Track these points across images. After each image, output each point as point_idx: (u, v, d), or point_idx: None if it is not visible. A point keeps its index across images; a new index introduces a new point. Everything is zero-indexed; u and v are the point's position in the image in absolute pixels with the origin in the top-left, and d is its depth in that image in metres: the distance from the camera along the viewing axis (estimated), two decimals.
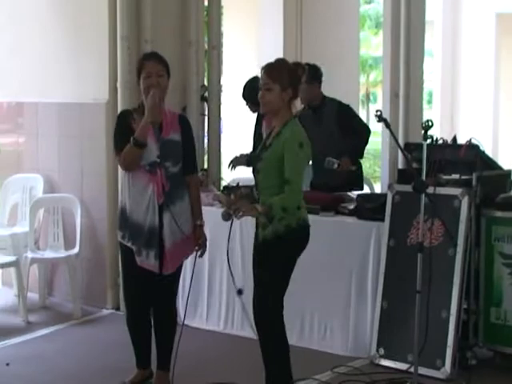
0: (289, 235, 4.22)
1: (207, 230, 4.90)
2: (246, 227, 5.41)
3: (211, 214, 5.35)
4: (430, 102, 16.81)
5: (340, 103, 6.38)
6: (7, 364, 5.31)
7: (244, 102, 6.62)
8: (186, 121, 4.85)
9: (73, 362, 5.44)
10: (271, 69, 4.29)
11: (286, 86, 4.24)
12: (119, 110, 6.34)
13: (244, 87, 6.61)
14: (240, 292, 4.45)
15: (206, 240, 4.75)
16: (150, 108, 4.52)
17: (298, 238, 4.31)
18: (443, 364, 4.92)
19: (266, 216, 4.17)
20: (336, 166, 6.04)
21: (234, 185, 5.61)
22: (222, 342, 5.77)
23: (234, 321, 5.92)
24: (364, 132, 6.35)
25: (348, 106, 6.39)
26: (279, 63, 4.35)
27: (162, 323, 4.82)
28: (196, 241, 4.70)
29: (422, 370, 4.77)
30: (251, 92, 6.28)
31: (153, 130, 4.60)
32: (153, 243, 4.56)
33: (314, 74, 6.20)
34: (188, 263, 5.03)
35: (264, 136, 4.66)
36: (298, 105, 4.51)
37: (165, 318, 4.82)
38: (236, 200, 4.24)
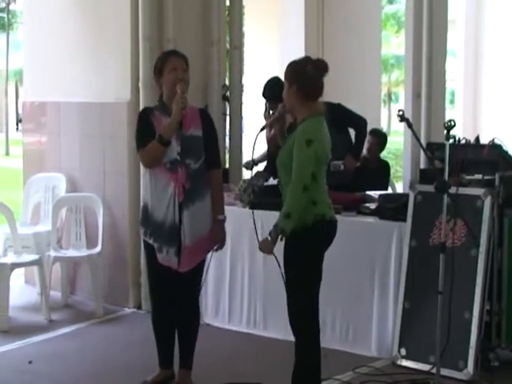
0: (305, 232, 4.19)
1: (228, 229, 4.90)
2: (267, 224, 5.38)
3: (232, 213, 5.36)
4: (452, 101, 16.71)
5: (330, 104, 6.30)
6: (30, 362, 5.35)
7: (264, 101, 6.64)
8: (208, 115, 4.83)
9: (94, 360, 5.46)
10: (287, 66, 4.33)
11: (290, 82, 4.24)
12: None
13: (264, 86, 6.63)
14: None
15: (225, 236, 4.75)
16: (179, 108, 4.52)
17: (316, 234, 4.25)
18: (465, 365, 4.89)
19: (283, 234, 4.17)
20: (342, 167, 6.19)
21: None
22: (244, 342, 5.76)
23: (257, 321, 5.92)
24: (360, 124, 6.44)
25: (339, 104, 6.34)
26: (295, 60, 4.34)
27: (185, 321, 4.83)
28: (214, 236, 4.69)
29: (444, 371, 4.76)
30: (270, 91, 6.37)
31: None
32: (173, 240, 4.58)
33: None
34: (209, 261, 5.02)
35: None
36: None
37: (187, 316, 4.82)
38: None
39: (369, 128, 6.76)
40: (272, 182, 6.26)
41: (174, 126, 4.54)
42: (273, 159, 4.55)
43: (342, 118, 6.28)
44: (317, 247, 4.31)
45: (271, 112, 4.60)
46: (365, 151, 7.16)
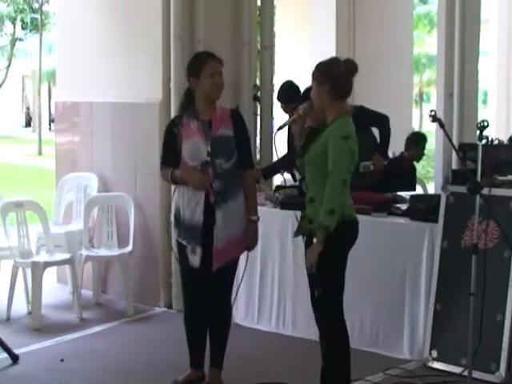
0: (334, 232, 4.13)
1: (259, 230, 4.91)
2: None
3: (263, 214, 5.35)
4: (485, 101, 16.58)
5: (353, 106, 6.30)
6: (61, 360, 5.39)
7: (279, 104, 6.75)
8: (238, 115, 4.82)
9: (125, 358, 5.49)
10: (315, 66, 4.33)
11: (322, 82, 4.22)
12: (172, 110, 6.42)
13: (279, 90, 6.75)
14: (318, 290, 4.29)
15: (257, 236, 4.75)
16: (199, 187, 4.59)
17: (344, 234, 4.23)
18: (498, 368, 4.84)
19: (328, 232, 4.10)
20: (372, 167, 6.21)
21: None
22: (273, 342, 5.76)
23: (286, 321, 5.91)
24: (383, 122, 6.42)
25: (361, 106, 6.28)
26: (324, 60, 4.34)
27: (216, 320, 4.84)
28: (247, 236, 4.70)
29: (476, 374, 4.71)
30: (284, 94, 6.56)
31: (202, 128, 4.64)
32: (194, 240, 4.62)
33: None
34: (241, 262, 5.03)
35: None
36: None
37: (218, 316, 4.83)
38: None
39: (396, 127, 6.71)
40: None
41: (186, 180, 4.61)
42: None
43: (365, 119, 6.26)
44: (345, 247, 4.29)
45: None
46: (406, 153, 7.23)
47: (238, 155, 4.66)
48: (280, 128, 4.67)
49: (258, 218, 4.75)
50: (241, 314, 6.09)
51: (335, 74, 4.24)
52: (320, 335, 4.33)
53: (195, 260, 4.63)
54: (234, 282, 4.85)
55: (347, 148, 4.17)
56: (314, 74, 4.30)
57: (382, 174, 6.42)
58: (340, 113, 4.26)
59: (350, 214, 4.27)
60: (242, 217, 4.68)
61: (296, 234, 4.45)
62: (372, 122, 6.42)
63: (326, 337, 4.29)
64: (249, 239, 4.72)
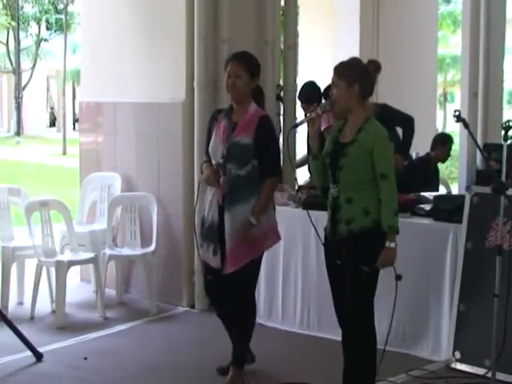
0: (376, 229, 4.14)
1: (281, 230, 4.90)
2: (320, 224, 5.37)
3: (286, 214, 5.35)
4: (510, 101, 16.46)
5: (376, 104, 6.28)
6: (85, 358, 5.42)
7: (299, 103, 6.77)
8: (265, 123, 4.72)
9: (148, 357, 5.51)
10: (338, 65, 4.30)
11: (352, 82, 4.18)
12: (196, 110, 6.44)
13: (300, 90, 6.77)
14: (399, 278, 4.31)
15: (245, 236, 4.62)
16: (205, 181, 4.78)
17: (381, 241, 4.19)
18: None
19: (397, 233, 4.16)
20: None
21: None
22: (298, 343, 5.76)
23: (310, 321, 5.91)
24: (407, 123, 6.37)
25: (385, 104, 6.26)
26: (348, 60, 4.32)
27: (236, 320, 4.87)
28: (242, 236, 4.64)
29: (500, 376, 4.68)
30: (306, 94, 6.59)
31: (227, 130, 4.70)
32: (211, 238, 4.69)
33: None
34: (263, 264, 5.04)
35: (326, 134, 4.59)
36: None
37: (237, 315, 4.85)
38: None
39: (420, 128, 6.67)
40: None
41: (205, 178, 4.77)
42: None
43: (390, 118, 6.21)
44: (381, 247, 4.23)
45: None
46: (432, 154, 7.21)
47: (259, 163, 4.67)
48: (296, 126, 4.64)
49: (255, 222, 4.63)
50: (265, 314, 6.09)
51: (367, 74, 4.24)
52: (345, 336, 4.31)
53: (203, 254, 4.77)
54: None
55: (392, 149, 4.24)
56: (340, 74, 4.24)
57: (407, 174, 6.39)
58: (369, 114, 4.27)
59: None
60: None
61: (329, 238, 4.36)
62: (397, 121, 6.38)
63: (359, 335, 4.25)
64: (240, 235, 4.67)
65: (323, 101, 6.40)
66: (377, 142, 4.14)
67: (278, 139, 4.91)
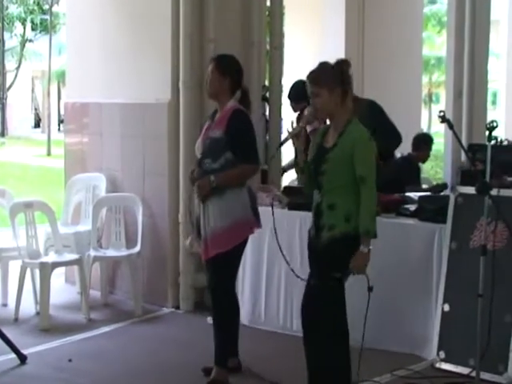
0: (356, 236, 4.13)
1: (266, 230, 4.90)
2: (305, 225, 5.39)
3: (271, 215, 5.33)
4: (494, 102, 16.55)
5: (372, 104, 6.21)
6: (69, 360, 5.39)
7: (288, 102, 6.80)
8: (236, 116, 4.84)
9: (133, 359, 5.50)
10: (314, 75, 4.27)
11: (332, 87, 4.18)
12: (181, 111, 6.43)
13: (290, 88, 6.79)
14: (371, 289, 4.27)
15: (200, 185, 4.81)
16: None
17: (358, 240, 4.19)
18: (506, 369, 4.83)
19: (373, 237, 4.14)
20: None
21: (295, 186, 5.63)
22: (281, 343, 5.75)
23: (293, 322, 5.90)
24: (394, 141, 6.29)
25: (381, 109, 6.25)
26: (320, 67, 4.31)
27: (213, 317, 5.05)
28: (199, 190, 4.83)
29: (484, 375, 4.70)
30: (296, 92, 6.61)
31: (209, 127, 4.94)
32: (198, 232, 4.91)
33: None
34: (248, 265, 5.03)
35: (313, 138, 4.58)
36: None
37: (213, 309, 5.02)
38: None
39: (405, 128, 6.64)
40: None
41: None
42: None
43: (381, 126, 6.18)
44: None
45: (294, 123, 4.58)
46: (414, 154, 7.23)
47: (234, 155, 4.78)
48: (281, 144, 4.63)
49: (213, 181, 4.76)
50: (248, 314, 6.08)
51: (345, 75, 4.23)
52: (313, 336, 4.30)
53: (199, 246, 4.98)
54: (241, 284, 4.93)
55: (372, 151, 4.19)
56: (319, 83, 4.21)
57: (392, 174, 6.39)
58: (350, 114, 4.25)
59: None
60: (224, 214, 4.78)
61: (312, 246, 4.36)
62: (386, 131, 6.25)
63: (331, 334, 4.25)
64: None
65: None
66: (357, 145, 4.13)
67: (252, 130, 4.90)
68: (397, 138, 6.30)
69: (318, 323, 4.25)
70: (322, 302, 4.22)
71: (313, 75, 4.27)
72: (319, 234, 4.26)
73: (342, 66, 4.25)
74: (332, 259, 4.21)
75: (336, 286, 4.21)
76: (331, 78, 4.21)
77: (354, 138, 4.15)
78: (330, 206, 4.18)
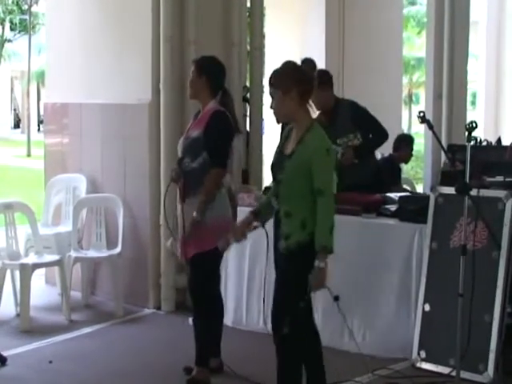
0: (312, 247, 3.97)
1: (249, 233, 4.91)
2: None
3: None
4: (473, 103, 16.65)
5: (355, 104, 6.29)
6: (50, 361, 5.38)
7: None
8: (214, 117, 4.84)
9: (114, 360, 5.49)
10: (272, 75, 4.16)
11: (287, 89, 4.03)
12: (162, 112, 6.42)
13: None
14: (336, 298, 4.16)
15: (190, 232, 4.78)
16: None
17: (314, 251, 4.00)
18: (486, 368, 4.86)
19: (330, 253, 3.98)
20: (340, 155, 6.02)
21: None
22: (261, 343, 5.74)
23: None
24: (382, 137, 6.35)
25: (364, 108, 6.29)
26: (281, 67, 4.18)
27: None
28: (188, 233, 4.81)
29: (464, 374, 4.73)
30: None
31: (190, 127, 4.98)
32: (179, 231, 4.92)
33: (326, 79, 6.13)
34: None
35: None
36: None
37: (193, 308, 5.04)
38: None
39: (386, 128, 6.70)
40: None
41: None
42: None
43: (367, 124, 6.23)
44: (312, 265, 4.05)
45: None
46: (395, 154, 7.28)
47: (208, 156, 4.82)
48: None
49: (198, 218, 4.73)
50: (230, 316, 6.08)
51: (303, 75, 4.09)
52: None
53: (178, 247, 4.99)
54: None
55: (331, 161, 4.03)
56: (275, 84, 4.09)
57: (374, 175, 6.42)
58: (311, 119, 4.14)
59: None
60: (206, 216, 4.77)
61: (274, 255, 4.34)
62: (372, 130, 6.28)
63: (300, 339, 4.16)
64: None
65: None
66: (314, 156, 3.97)
67: (229, 134, 4.91)
68: (385, 135, 6.38)
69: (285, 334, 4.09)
70: (289, 319, 4.04)
71: (272, 75, 4.15)
72: (277, 245, 4.22)
73: (302, 64, 4.17)
74: (291, 277, 4.08)
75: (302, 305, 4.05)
76: (287, 78, 4.06)
77: (313, 147, 3.99)
78: (287, 214, 4.08)
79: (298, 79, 4.05)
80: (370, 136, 6.30)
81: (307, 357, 4.23)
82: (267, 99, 6.87)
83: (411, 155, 7.74)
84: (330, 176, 4.02)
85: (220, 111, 4.87)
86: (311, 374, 4.27)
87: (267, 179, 7.44)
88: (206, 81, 4.88)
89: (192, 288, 4.98)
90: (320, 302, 5.53)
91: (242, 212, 5.00)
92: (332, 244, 3.96)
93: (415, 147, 7.90)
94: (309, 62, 4.19)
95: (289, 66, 4.17)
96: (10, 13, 32.77)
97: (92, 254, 6.74)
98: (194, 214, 4.75)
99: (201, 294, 4.92)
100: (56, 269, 6.66)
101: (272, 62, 9.85)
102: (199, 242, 4.79)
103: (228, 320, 6.02)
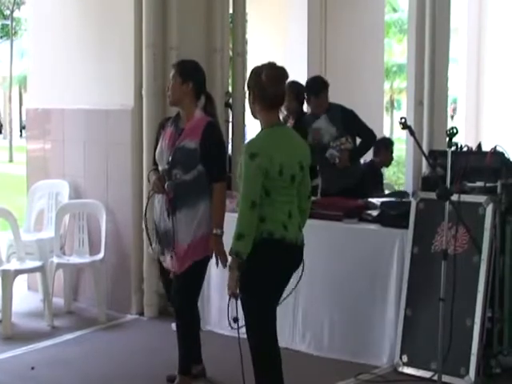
0: (253, 250, 3.97)
1: (229, 237, 4.91)
2: None
3: (234, 221, 5.35)
4: (454, 109, 16.74)
5: (343, 107, 6.60)
6: (32, 368, 5.36)
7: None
8: (210, 128, 4.74)
9: (97, 366, 5.47)
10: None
11: (249, 91, 4.17)
12: (144, 117, 6.42)
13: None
14: (235, 320, 4.12)
15: (220, 250, 4.62)
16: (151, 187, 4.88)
17: (264, 254, 4.02)
18: (467, 372, 4.89)
19: (239, 258, 3.97)
20: (337, 160, 6.39)
21: None
22: (235, 346, 5.75)
23: None
24: (370, 138, 6.64)
25: (351, 110, 6.59)
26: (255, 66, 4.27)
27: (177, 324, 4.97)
28: (211, 249, 4.68)
29: (446, 378, 4.76)
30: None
31: (174, 136, 4.75)
32: (166, 245, 4.76)
33: (322, 85, 6.56)
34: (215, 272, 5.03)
35: None
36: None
37: (176, 319, 4.95)
38: None
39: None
40: None
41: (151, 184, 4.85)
42: None
43: (355, 127, 6.46)
44: (269, 268, 4.05)
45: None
46: (376, 159, 7.38)
47: (205, 169, 4.68)
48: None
49: (222, 232, 4.64)
50: (214, 321, 6.08)
51: (258, 83, 4.12)
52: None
53: (164, 260, 4.86)
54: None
55: (254, 167, 3.95)
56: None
57: (357, 180, 6.54)
58: (265, 125, 4.16)
59: (270, 231, 4.03)
60: (196, 225, 4.68)
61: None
62: (360, 132, 6.58)
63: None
64: (215, 252, 4.68)
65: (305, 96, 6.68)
66: (242, 158, 4.04)
67: (225, 145, 4.92)
68: (373, 136, 6.67)
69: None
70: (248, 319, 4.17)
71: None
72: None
73: (262, 72, 4.11)
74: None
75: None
76: (249, 81, 4.21)
77: (243, 152, 4.06)
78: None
79: (256, 85, 4.14)
80: (357, 138, 6.51)
81: (261, 357, 4.26)
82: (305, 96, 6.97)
83: (392, 158, 7.79)
84: (249, 182, 3.99)
85: (212, 122, 4.79)
86: (261, 373, 4.27)
87: None
88: (191, 87, 4.75)
89: (180, 298, 4.83)
90: (300, 308, 5.58)
91: (225, 217, 5.01)
92: (239, 249, 3.96)
93: (397, 152, 7.95)
94: (274, 70, 4.29)
95: (255, 70, 4.21)
96: None
97: (74, 260, 6.73)
98: (215, 230, 4.60)
99: (186, 303, 4.86)
100: (38, 275, 6.64)
101: None
102: (192, 254, 4.71)
103: (212, 325, 6.02)
